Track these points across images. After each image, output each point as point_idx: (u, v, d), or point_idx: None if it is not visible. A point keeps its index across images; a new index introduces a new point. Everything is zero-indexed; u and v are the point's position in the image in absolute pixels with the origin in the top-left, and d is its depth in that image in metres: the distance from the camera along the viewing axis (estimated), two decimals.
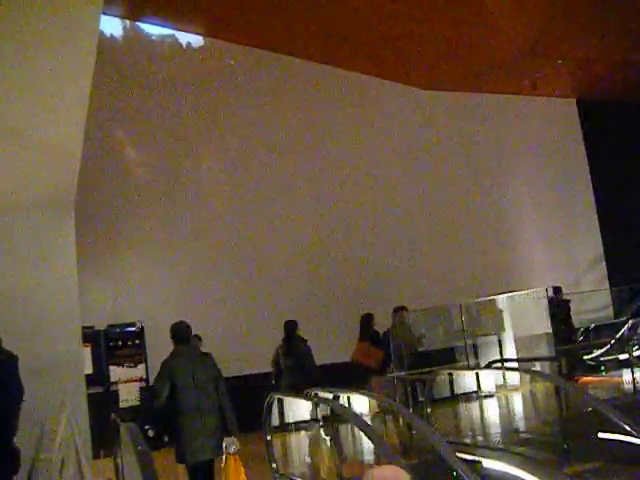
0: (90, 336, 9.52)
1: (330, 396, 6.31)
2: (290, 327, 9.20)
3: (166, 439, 5.90)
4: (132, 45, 11.92)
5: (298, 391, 7.42)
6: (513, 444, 7.62)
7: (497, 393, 11.84)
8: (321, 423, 7.78)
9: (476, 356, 12.26)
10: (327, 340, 11.14)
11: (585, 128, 15.32)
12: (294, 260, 12.25)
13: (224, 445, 5.57)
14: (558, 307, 11.23)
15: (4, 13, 4.06)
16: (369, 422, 6.75)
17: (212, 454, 5.67)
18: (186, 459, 5.62)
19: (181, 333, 6.01)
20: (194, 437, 5.56)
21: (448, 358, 11.73)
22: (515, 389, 12.01)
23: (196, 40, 12.33)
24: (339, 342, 10.93)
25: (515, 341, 12.33)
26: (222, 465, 5.61)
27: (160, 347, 10.66)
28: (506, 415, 10.86)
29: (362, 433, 4.68)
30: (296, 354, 9.00)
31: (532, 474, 3.51)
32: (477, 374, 11.60)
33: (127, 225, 11.30)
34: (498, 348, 12.49)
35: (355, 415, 5.58)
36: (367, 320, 9.81)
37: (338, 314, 12.04)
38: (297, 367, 8.92)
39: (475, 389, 11.79)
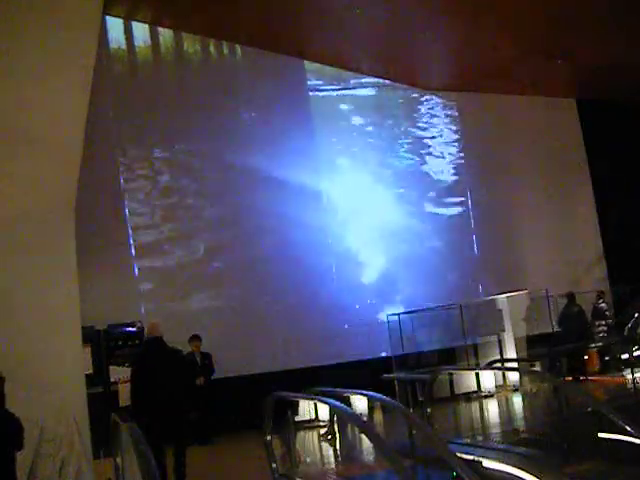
0: (90, 336, 9.50)
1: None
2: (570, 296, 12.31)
3: None
4: (132, 46, 11.92)
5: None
6: (513, 444, 7.59)
7: (497, 393, 11.83)
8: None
9: (476, 356, 12.26)
10: None
11: (585, 128, 15.29)
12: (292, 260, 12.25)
13: None
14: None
15: (5, 13, 4.07)
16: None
17: None
18: None
19: None
20: None
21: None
22: (515, 389, 12.00)
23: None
24: None
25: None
26: None
27: None
28: (506, 415, 10.84)
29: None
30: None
31: (532, 474, 3.50)
32: (477, 374, 11.59)
33: (127, 225, 11.31)
34: (498, 348, 12.49)
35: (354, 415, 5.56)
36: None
37: None
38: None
39: (475, 389, 11.78)
